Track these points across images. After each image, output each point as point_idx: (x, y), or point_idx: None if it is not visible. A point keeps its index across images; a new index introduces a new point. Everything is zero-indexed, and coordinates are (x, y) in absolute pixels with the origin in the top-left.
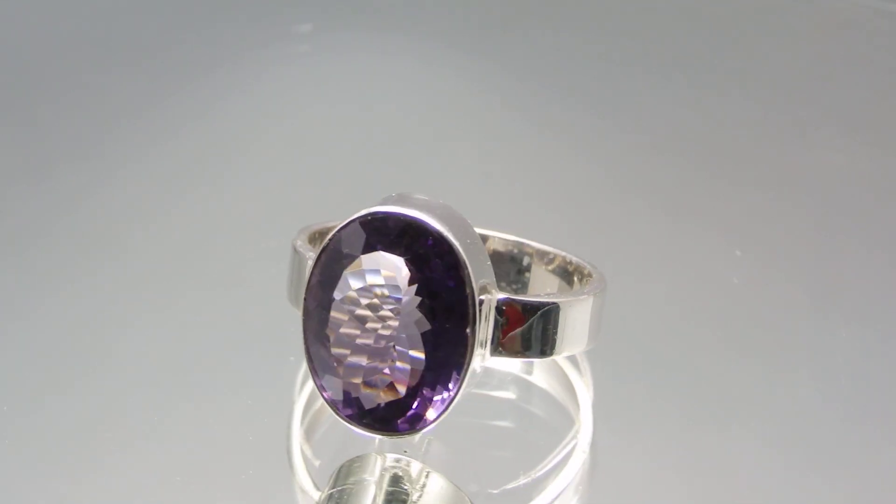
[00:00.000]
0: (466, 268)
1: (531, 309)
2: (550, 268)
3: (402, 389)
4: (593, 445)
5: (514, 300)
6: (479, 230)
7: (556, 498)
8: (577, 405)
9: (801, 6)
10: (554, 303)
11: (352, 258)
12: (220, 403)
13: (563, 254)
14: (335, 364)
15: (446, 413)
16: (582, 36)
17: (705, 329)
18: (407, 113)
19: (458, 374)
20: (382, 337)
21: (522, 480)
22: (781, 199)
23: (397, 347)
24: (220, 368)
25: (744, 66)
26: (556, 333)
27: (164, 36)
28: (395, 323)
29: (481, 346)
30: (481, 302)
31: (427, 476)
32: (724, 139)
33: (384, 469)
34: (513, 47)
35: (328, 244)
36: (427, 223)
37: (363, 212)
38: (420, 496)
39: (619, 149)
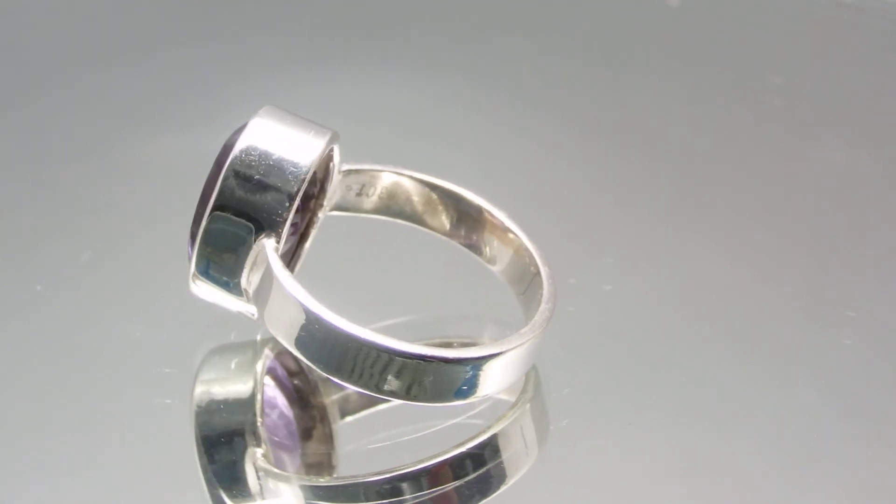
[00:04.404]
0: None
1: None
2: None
3: None
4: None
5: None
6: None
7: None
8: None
9: (798, 5)
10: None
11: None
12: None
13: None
14: None
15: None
16: (573, 37)
17: (702, 331)
18: (396, 121)
19: None
20: None
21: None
22: (777, 199)
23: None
24: (218, 366)
25: (740, 66)
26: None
27: (167, 39)
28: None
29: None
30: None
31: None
32: (722, 139)
33: None
34: (502, 49)
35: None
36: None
37: None
38: None
39: (616, 149)
